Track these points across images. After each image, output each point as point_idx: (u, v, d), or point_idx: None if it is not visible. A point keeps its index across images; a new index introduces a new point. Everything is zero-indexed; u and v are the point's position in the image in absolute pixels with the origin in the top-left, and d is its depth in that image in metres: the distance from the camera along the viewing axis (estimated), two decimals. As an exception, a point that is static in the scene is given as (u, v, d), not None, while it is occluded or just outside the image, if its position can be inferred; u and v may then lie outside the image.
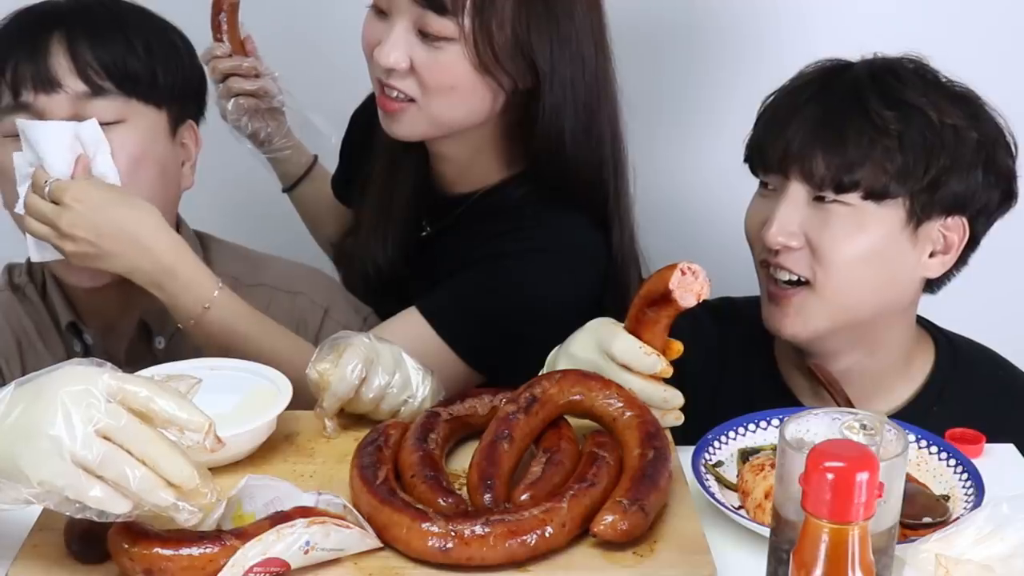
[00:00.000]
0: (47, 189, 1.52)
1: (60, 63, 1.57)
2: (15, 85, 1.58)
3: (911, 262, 1.58)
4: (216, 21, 1.95)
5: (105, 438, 1.04)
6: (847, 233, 1.54)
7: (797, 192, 1.56)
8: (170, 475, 1.06)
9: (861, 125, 1.53)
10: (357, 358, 1.38)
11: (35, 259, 1.61)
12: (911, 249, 1.56)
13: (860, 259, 1.55)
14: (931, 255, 1.58)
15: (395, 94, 1.66)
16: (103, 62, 1.58)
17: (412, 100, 1.66)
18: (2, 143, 1.60)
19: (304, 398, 1.41)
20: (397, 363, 1.41)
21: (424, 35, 1.62)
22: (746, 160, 1.65)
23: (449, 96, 1.65)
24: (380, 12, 1.66)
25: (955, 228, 1.57)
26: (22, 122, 1.56)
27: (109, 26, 1.61)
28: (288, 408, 1.37)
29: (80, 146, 1.56)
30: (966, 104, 1.58)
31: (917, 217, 1.54)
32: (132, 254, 1.52)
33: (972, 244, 1.61)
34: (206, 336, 1.57)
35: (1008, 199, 1.61)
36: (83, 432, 1.03)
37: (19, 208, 1.56)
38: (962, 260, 1.62)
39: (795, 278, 1.58)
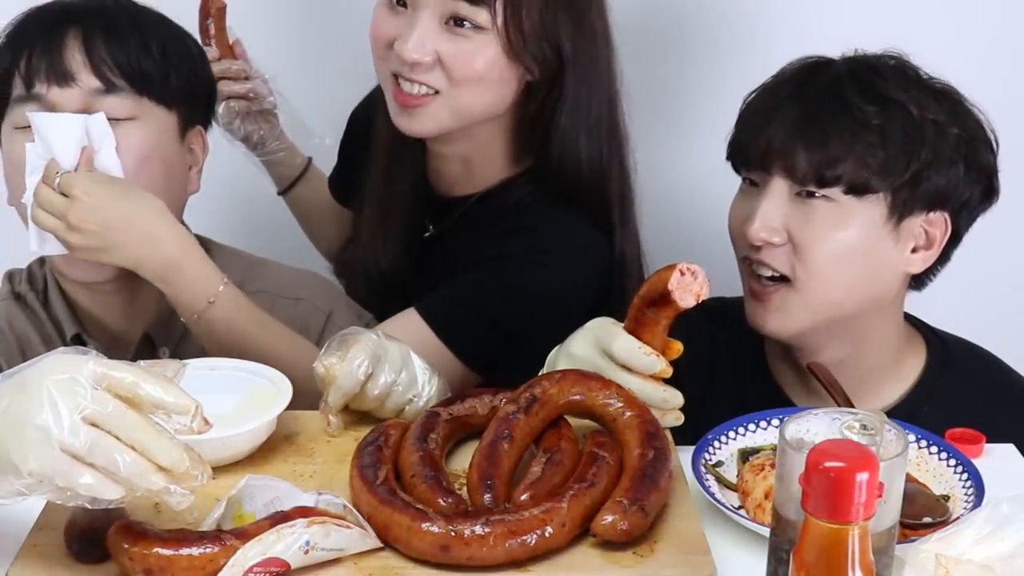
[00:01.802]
0: (57, 181, 1.52)
1: (75, 57, 1.58)
2: (29, 76, 1.59)
3: (894, 257, 1.58)
4: (204, 26, 1.96)
5: (93, 425, 1.04)
6: (829, 228, 1.55)
7: (779, 187, 1.57)
8: (159, 459, 1.06)
9: (843, 120, 1.54)
10: (364, 354, 1.38)
11: (35, 251, 1.61)
12: (893, 244, 1.57)
13: (841, 255, 1.55)
14: (914, 250, 1.59)
15: (417, 88, 1.66)
16: (117, 59, 1.59)
17: (436, 92, 1.66)
18: (13, 135, 1.61)
19: (305, 398, 1.41)
20: (404, 362, 1.41)
21: (452, 25, 1.62)
22: (728, 158, 1.65)
23: (476, 86, 1.65)
24: (398, 5, 1.66)
25: (937, 223, 1.58)
26: (33, 114, 1.56)
27: (125, 26, 1.62)
28: (288, 408, 1.37)
29: (87, 139, 1.56)
30: (947, 100, 1.59)
31: (899, 212, 1.55)
32: (139, 247, 1.52)
33: (954, 239, 1.61)
34: (209, 332, 1.57)
35: (990, 195, 1.62)
36: (70, 420, 1.03)
37: (27, 198, 1.56)
38: (944, 256, 1.63)
39: (776, 275, 1.58)
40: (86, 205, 1.50)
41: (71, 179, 1.52)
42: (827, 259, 1.56)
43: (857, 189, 1.53)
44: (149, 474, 1.05)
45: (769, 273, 1.59)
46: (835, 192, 1.54)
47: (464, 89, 1.65)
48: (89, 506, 1.07)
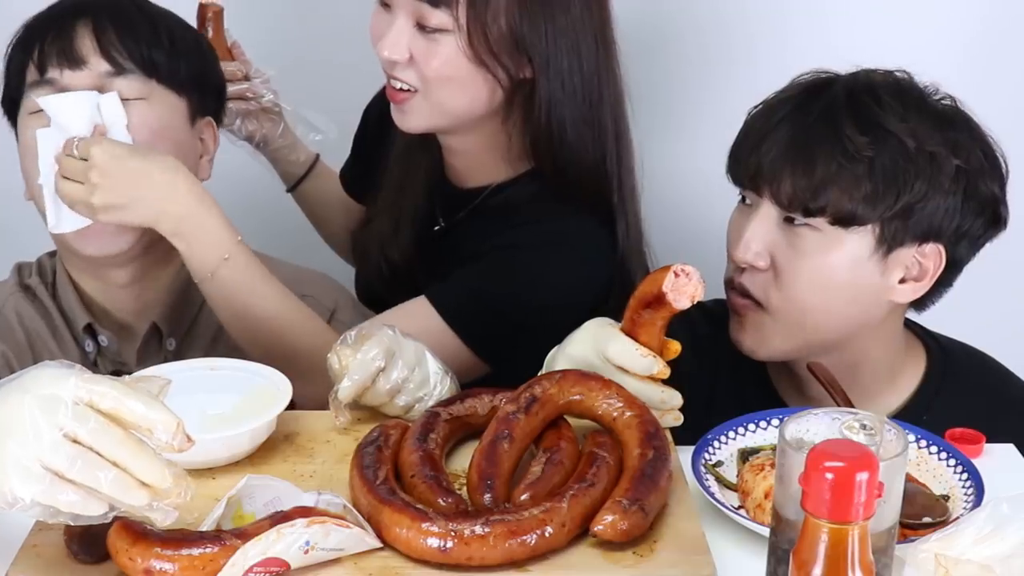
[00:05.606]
0: (76, 147, 1.54)
1: (85, 43, 1.62)
2: (41, 62, 1.62)
3: (879, 287, 1.56)
4: (202, 30, 1.97)
5: (75, 441, 1.02)
6: (811, 257, 1.53)
7: (768, 211, 1.56)
8: (142, 475, 1.04)
9: (831, 149, 1.51)
10: (379, 347, 1.38)
11: (54, 230, 1.62)
12: (879, 275, 1.55)
13: (821, 284, 1.54)
14: (902, 280, 1.56)
15: (399, 85, 1.70)
16: (127, 46, 1.63)
17: (416, 90, 1.69)
18: (27, 120, 1.63)
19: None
20: (419, 359, 1.41)
21: (422, 27, 1.65)
22: (727, 172, 1.64)
23: (448, 86, 1.68)
24: (384, 5, 1.70)
25: (931, 255, 1.55)
26: (43, 99, 1.59)
27: (136, 17, 1.66)
28: (290, 404, 1.37)
29: (100, 117, 1.59)
30: (950, 128, 1.55)
31: (888, 243, 1.53)
32: (158, 198, 1.53)
33: (955, 268, 1.59)
34: (221, 290, 1.57)
35: (995, 224, 1.58)
36: (51, 436, 1.01)
37: (41, 179, 1.58)
38: (945, 283, 1.60)
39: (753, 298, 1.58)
40: (105, 161, 1.51)
41: (88, 142, 1.54)
42: (805, 287, 1.54)
43: (843, 220, 1.51)
44: (132, 490, 1.04)
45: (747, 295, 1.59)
46: (820, 222, 1.52)
47: (436, 87, 1.68)
48: (72, 523, 1.06)
